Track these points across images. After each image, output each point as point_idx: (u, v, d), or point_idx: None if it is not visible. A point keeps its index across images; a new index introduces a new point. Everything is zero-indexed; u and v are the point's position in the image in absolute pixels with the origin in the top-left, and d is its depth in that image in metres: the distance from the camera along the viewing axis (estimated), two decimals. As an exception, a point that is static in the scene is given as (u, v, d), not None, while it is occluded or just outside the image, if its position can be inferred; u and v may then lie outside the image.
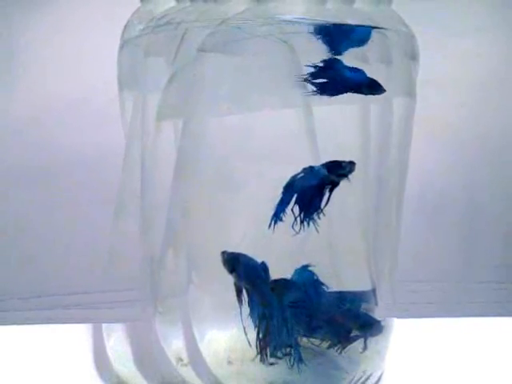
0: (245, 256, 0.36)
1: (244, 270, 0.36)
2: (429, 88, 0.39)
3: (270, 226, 0.35)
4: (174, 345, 0.39)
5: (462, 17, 0.58)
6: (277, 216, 0.35)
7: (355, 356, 0.38)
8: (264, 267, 0.36)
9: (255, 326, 0.36)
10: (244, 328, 0.36)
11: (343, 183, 0.35)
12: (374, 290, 0.39)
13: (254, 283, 0.36)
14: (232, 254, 0.36)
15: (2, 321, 0.53)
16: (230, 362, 0.38)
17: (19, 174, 0.60)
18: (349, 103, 0.35)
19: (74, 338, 0.49)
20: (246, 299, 0.36)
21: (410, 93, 0.38)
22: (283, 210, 0.35)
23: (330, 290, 0.36)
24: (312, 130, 0.34)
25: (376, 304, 0.39)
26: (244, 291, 0.36)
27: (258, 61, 0.34)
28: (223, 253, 0.36)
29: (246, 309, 0.36)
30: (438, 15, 0.57)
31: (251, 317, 0.36)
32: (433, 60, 0.41)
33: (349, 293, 0.38)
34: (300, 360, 0.36)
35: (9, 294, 0.59)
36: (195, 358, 0.38)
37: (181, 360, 0.39)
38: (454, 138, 0.59)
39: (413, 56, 0.38)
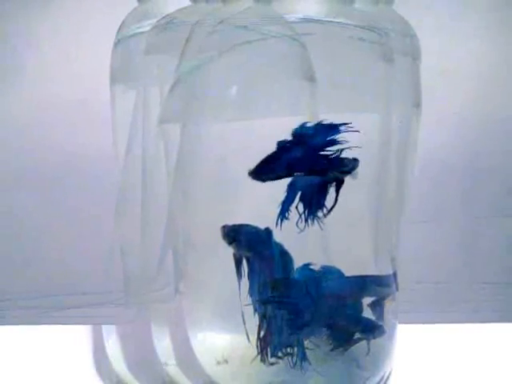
0: (247, 225, 0.35)
1: (245, 237, 0.35)
2: (435, 81, 0.39)
3: (276, 224, 0.34)
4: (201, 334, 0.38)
5: (464, 16, 0.58)
6: (283, 214, 0.34)
7: (378, 356, 0.38)
8: (268, 232, 0.35)
9: (254, 309, 0.35)
10: (242, 314, 0.35)
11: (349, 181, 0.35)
12: (395, 274, 0.39)
13: (255, 249, 0.35)
14: (233, 225, 0.35)
15: (2, 321, 0.53)
16: (225, 361, 0.38)
17: (19, 175, 0.60)
18: (370, 112, 0.36)
19: (74, 338, 0.49)
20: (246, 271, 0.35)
21: (417, 102, 0.38)
22: (288, 209, 0.34)
23: (350, 276, 0.36)
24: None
25: (397, 289, 0.39)
26: (244, 262, 0.35)
27: (266, 62, 0.34)
28: (223, 227, 0.35)
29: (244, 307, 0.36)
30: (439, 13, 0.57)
31: (251, 294, 0.35)
32: (438, 56, 0.42)
33: (370, 277, 0.37)
34: (304, 359, 0.36)
35: (9, 295, 0.59)
36: (188, 356, 0.38)
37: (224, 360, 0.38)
38: (458, 125, 0.60)
39: (415, 56, 0.38)
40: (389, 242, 0.39)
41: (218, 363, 0.37)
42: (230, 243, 0.36)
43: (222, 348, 0.38)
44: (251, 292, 0.35)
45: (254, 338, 0.36)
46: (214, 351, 0.38)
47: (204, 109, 0.35)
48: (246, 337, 0.36)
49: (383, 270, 0.38)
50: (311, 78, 0.33)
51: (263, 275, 0.35)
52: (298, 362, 0.36)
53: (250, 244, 0.36)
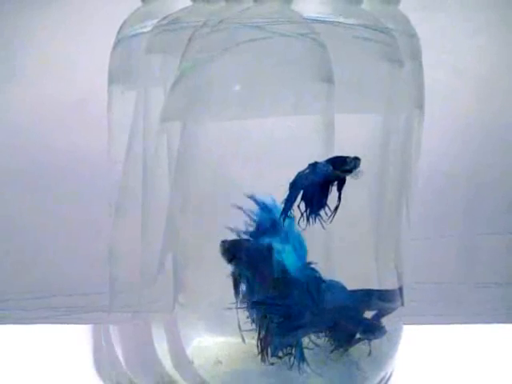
0: (248, 241, 0.35)
1: (246, 254, 0.35)
2: (437, 85, 0.39)
3: None
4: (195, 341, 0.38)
5: (464, 17, 0.58)
6: (285, 213, 0.34)
7: (379, 358, 0.38)
8: (269, 249, 0.35)
9: (252, 321, 0.35)
10: (239, 322, 0.35)
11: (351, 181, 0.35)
12: (400, 289, 0.39)
13: (256, 266, 0.35)
14: (233, 240, 0.35)
15: (1, 321, 0.53)
16: (219, 362, 0.38)
17: (17, 176, 0.60)
18: (373, 112, 0.36)
19: (74, 338, 0.49)
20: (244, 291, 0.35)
21: (420, 104, 0.38)
22: (290, 207, 0.34)
23: (353, 290, 0.36)
24: (331, 136, 0.34)
25: (402, 304, 0.39)
26: (243, 282, 0.35)
27: (274, 60, 0.34)
28: (223, 242, 0.35)
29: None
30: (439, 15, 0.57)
31: (248, 310, 0.35)
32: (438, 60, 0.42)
33: (373, 291, 0.37)
34: (302, 360, 0.35)
35: (9, 295, 0.59)
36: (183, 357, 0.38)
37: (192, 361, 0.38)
38: (460, 131, 0.60)
39: (417, 56, 0.38)
40: (391, 248, 0.39)
41: (215, 364, 0.37)
42: (229, 261, 0.35)
43: (216, 350, 0.38)
44: (248, 307, 0.35)
45: (248, 340, 0.36)
46: (209, 353, 0.38)
47: (206, 106, 0.34)
48: (239, 340, 0.35)
49: (387, 280, 0.38)
50: (329, 80, 0.33)
51: (262, 307, 0.35)
52: (296, 364, 0.35)
53: (250, 261, 0.35)
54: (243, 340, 0.35)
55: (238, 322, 0.35)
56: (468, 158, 0.61)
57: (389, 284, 0.38)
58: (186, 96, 0.35)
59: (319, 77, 0.34)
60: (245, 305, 0.35)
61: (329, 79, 0.33)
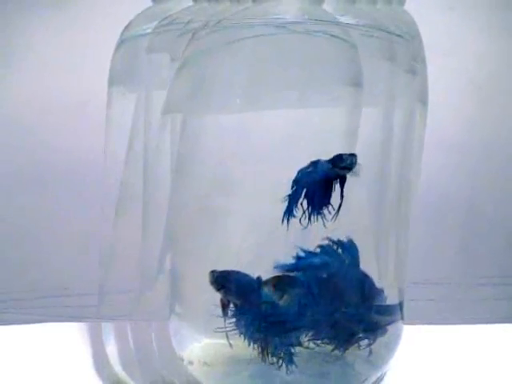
0: (237, 273, 0.35)
1: (236, 285, 0.35)
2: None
3: (282, 221, 0.34)
4: (189, 348, 0.39)
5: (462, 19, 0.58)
6: (289, 212, 0.34)
7: (375, 360, 0.38)
8: (259, 281, 0.35)
9: (240, 333, 0.35)
10: (226, 334, 0.35)
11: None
12: (400, 304, 0.39)
13: (245, 298, 0.35)
14: (222, 272, 0.35)
15: (1, 321, 0.53)
16: (205, 363, 0.38)
17: (18, 176, 0.60)
18: (371, 106, 0.36)
19: (73, 337, 0.49)
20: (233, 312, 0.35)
21: (423, 99, 0.38)
22: (296, 205, 0.34)
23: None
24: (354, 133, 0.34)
25: (402, 318, 0.39)
26: (231, 305, 0.35)
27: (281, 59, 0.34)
28: (212, 272, 0.35)
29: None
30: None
31: (237, 325, 0.35)
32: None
33: (373, 306, 0.37)
34: (290, 361, 0.35)
35: (9, 295, 0.59)
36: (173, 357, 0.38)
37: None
38: (456, 145, 0.60)
39: (421, 56, 0.38)
40: (392, 250, 0.39)
41: (208, 365, 0.38)
42: (217, 290, 0.35)
43: (203, 351, 0.38)
44: (237, 323, 0.35)
45: (235, 343, 0.36)
46: (204, 355, 0.38)
47: (208, 98, 0.34)
48: (226, 343, 0.36)
49: (386, 285, 0.38)
50: (356, 84, 0.33)
51: (257, 320, 0.35)
52: (284, 364, 0.35)
53: (239, 292, 0.35)
54: (230, 345, 0.36)
55: (226, 333, 0.35)
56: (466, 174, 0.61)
57: (388, 289, 0.38)
58: (188, 87, 0.35)
59: (331, 76, 0.34)
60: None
61: (346, 80, 0.34)
